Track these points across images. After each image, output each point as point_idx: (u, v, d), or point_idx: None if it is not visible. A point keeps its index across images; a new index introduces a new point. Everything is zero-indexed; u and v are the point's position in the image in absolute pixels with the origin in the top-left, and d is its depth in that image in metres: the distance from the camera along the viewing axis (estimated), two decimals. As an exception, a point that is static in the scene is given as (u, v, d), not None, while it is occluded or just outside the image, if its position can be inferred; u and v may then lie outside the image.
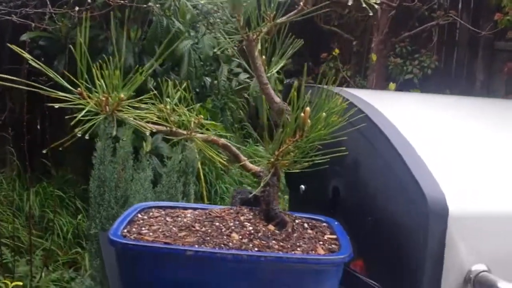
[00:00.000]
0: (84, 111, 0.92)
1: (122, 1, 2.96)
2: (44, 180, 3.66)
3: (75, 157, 3.57)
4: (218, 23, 3.74)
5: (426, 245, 1.03)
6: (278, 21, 1.08)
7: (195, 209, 1.16)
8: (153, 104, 1.04)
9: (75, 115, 0.92)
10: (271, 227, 1.05)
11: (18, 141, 3.25)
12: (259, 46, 1.08)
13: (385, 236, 1.18)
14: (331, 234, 1.08)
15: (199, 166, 3.15)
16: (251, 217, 1.09)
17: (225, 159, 1.13)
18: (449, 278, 1.04)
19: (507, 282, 1.00)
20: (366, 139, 1.25)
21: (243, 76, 4.23)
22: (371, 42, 5.28)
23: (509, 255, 1.09)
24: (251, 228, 1.04)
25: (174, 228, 1.04)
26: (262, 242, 0.99)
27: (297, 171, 1.06)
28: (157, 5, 3.28)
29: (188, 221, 1.08)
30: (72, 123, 0.91)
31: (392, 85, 4.07)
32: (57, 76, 0.96)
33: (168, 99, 1.06)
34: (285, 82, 1.54)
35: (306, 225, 1.10)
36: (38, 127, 3.51)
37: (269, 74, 1.14)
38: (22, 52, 0.95)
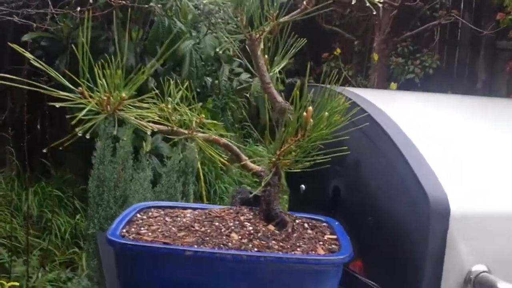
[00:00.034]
0: (85, 110, 0.92)
1: (123, 2, 2.95)
2: (43, 180, 3.66)
3: (74, 157, 3.56)
4: (220, 23, 3.73)
5: (427, 245, 1.02)
6: (281, 20, 1.07)
7: (194, 209, 1.16)
8: (154, 103, 1.04)
9: (76, 114, 0.92)
10: (271, 227, 1.05)
11: (18, 141, 3.25)
12: (262, 45, 1.08)
13: (386, 236, 1.17)
14: (331, 234, 1.07)
15: (199, 166, 3.15)
16: (251, 217, 1.08)
17: (226, 159, 1.12)
18: (449, 279, 1.03)
19: (507, 283, 0.99)
20: (369, 139, 1.24)
21: (244, 76, 4.22)
22: (373, 41, 5.27)
23: (509, 256, 1.08)
24: (251, 228, 1.03)
25: (173, 228, 1.03)
26: (262, 242, 0.98)
27: (298, 170, 1.05)
28: (159, 6, 3.27)
29: (188, 221, 1.07)
30: (73, 122, 0.91)
31: (393, 84, 4.06)
32: (58, 75, 0.95)
33: (169, 99, 1.05)
34: (287, 81, 1.54)
35: (306, 225, 1.09)
36: (38, 127, 3.51)
37: (271, 74, 1.14)
38: (23, 52, 0.95)
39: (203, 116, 1.11)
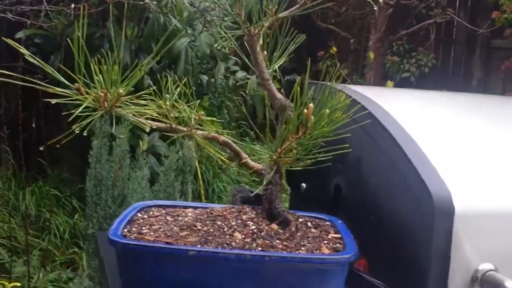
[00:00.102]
0: (82, 106, 0.89)
1: (118, -2, 2.93)
2: (40, 179, 3.63)
3: (71, 156, 3.54)
4: (215, 20, 3.71)
5: (432, 244, 1.01)
6: (280, 15, 1.05)
7: (195, 208, 1.14)
8: (152, 100, 1.02)
9: (72, 111, 0.90)
10: (274, 226, 1.03)
11: (14, 140, 3.22)
12: (260, 41, 1.06)
13: (389, 234, 1.16)
14: (335, 233, 1.06)
15: (197, 164, 3.13)
16: (253, 216, 1.07)
17: (226, 157, 1.10)
18: (455, 278, 1.02)
19: (515, 281, 0.98)
20: (369, 136, 1.23)
21: (240, 74, 4.20)
22: (369, 40, 5.27)
23: (516, 254, 1.07)
24: (254, 227, 1.02)
25: (175, 228, 1.02)
26: (266, 241, 0.97)
27: (299, 169, 1.04)
28: (154, 2, 3.25)
29: (190, 220, 1.05)
30: (70, 119, 0.88)
31: (390, 83, 4.06)
32: (54, 71, 0.93)
33: (168, 95, 1.03)
34: (285, 78, 1.52)
35: (309, 224, 1.08)
36: (34, 125, 3.47)
37: (270, 70, 1.12)
38: (19, 48, 0.92)
39: (202, 113, 1.09)
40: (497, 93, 4.97)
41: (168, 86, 1.04)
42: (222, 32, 1.13)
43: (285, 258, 0.92)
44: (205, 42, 3.56)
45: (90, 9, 3.00)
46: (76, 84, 0.92)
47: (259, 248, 0.94)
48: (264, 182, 1.05)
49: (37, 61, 0.91)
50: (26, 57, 0.93)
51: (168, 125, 1.03)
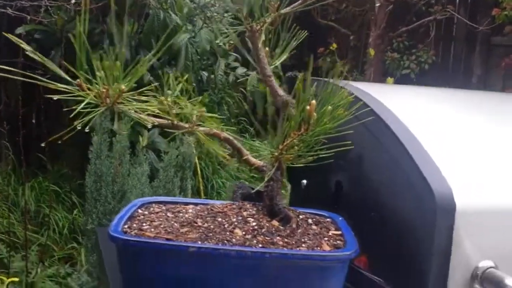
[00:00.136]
0: (84, 103, 0.89)
1: (118, -6, 2.92)
2: (39, 174, 3.63)
3: (71, 152, 3.54)
4: (215, 17, 3.71)
5: (433, 241, 1.01)
6: (283, 11, 1.05)
7: (196, 204, 1.14)
8: (154, 96, 1.01)
9: (73, 107, 0.89)
10: (275, 222, 1.03)
11: (14, 135, 3.22)
12: (263, 37, 1.06)
13: (390, 231, 1.16)
14: (335, 230, 1.06)
15: (196, 160, 3.13)
16: (254, 212, 1.07)
17: (227, 153, 1.10)
18: (455, 275, 1.02)
19: (515, 279, 0.98)
20: (371, 133, 1.23)
21: (240, 71, 4.20)
22: (369, 37, 5.27)
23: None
24: (254, 223, 1.01)
25: (175, 224, 1.01)
26: (266, 238, 0.97)
27: (300, 165, 1.04)
28: (154, -1, 3.24)
29: (190, 217, 1.05)
30: (71, 115, 0.88)
31: (390, 79, 4.05)
32: (55, 67, 0.93)
33: (169, 91, 1.03)
34: (286, 75, 1.52)
35: (310, 220, 1.08)
36: (34, 121, 3.47)
37: (272, 67, 1.12)
38: (20, 43, 0.92)
39: (204, 109, 1.09)
40: (497, 90, 4.96)
41: (169, 83, 1.04)
42: (224, 28, 1.12)
43: (285, 255, 0.92)
44: (205, 38, 3.56)
45: (90, 4, 3.00)
46: (78, 80, 0.91)
47: (260, 245, 0.94)
48: (266, 179, 1.05)
49: (39, 57, 0.91)
50: (27, 53, 0.93)
51: (169, 121, 1.03)
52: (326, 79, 1.00)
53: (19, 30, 3.23)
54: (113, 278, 1.13)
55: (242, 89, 4.50)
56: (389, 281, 1.12)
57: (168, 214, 1.08)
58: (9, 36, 0.95)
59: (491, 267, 1.02)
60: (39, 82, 0.90)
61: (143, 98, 1.00)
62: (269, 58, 1.11)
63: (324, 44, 6.06)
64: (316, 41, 6.02)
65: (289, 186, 1.67)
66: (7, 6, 2.97)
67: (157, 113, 1.02)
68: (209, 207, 1.10)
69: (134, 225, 1.00)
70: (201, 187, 3.35)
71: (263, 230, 0.99)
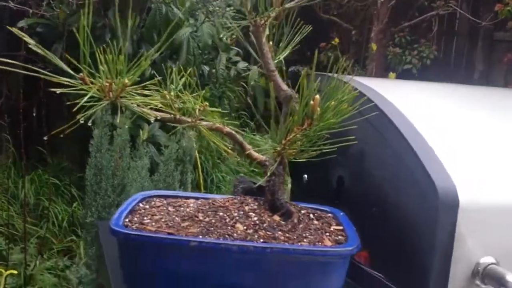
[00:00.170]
0: (87, 96, 0.89)
1: (121, -13, 2.91)
2: (39, 167, 3.63)
3: (71, 145, 3.54)
4: (217, 11, 3.70)
5: (435, 237, 1.01)
6: (287, 5, 1.04)
7: (197, 198, 1.14)
8: (157, 90, 1.01)
9: (76, 101, 0.89)
10: (276, 217, 1.03)
11: (14, 128, 3.22)
12: (267, 32, 1.05)
13: (392, 227, 1.16)
14: (337, 225, 1.06)
15: (196, 154, 3.13)
16: (255, 207, 1.06)
17: (229, 148, 1.10)
18: (457, 271, 1.02)
19: (516, 275, 0.98)
20: (374, 129, 1.22)
21: (241, 65, 4.19)
22: (371, 31, 5.25)
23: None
24: (256, 218, 1.01)
25: (177, 218, 1.01)
26: (268, 233, 0.96)
27: (302, 160, 1.03)
28: (156, -8, 3.23)
29: (191, 211, 1.05)
30: (75, 109, 0.88)
31: (392, 74, 4.05)
32: (58, 60, 0.92)
33: (172, 85, 1.02)
34: (289, 69, 1.52)
35: (311, 215, 1.08)
36: (34, 114, 3.47)
37: (276, 61, 1.11)
38: (23, 36, 0.92)
39: (207, 104, 1.09)
40: (499, 86, 4.96)
41: (172, 77, 1.04)
42: (228, 23, 1.12)
43: (287, 250, 0.91)
44: (207, 32, 3.55)
45: (92, -3, 2.98)
46: (81, 74, 0.91)
47: (261, 240, 0.94)
48: (268, 174, 1.05)
49: (43, 51, 0.90)
50: (29, 46, 0.92)
51: (172, 115, 1.03)
52: (329, 74, 0.99)
53: (21, 23, 3.22)
54: (113, 272, 1.13)
55: (243, 84, 4.49)
56: (390, 276, 1.12)
57: (169, 208, 1.08)
58: (13, 29, 0.95)
59: (492, 264, 1.02)
60: (42, 76, 0.90)
61: (146, 92, 1.00)
62: (273, 53, 1.10)
63: (326, 38, 6.04)
64: (318, 35, 6.00)
65: (290, 181, 1.67)
66: (9, 0, 2.96)
67: (160, 107, 1.02)
68: (210, 201, 1.09)
69: (135, 219, 1.00)
70: (201, 181, 3.35)
71: (264, 225, 0.99)
